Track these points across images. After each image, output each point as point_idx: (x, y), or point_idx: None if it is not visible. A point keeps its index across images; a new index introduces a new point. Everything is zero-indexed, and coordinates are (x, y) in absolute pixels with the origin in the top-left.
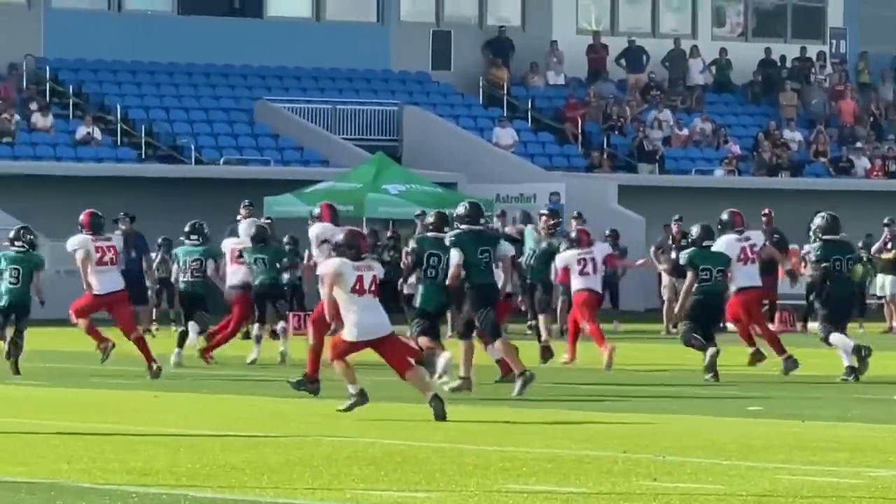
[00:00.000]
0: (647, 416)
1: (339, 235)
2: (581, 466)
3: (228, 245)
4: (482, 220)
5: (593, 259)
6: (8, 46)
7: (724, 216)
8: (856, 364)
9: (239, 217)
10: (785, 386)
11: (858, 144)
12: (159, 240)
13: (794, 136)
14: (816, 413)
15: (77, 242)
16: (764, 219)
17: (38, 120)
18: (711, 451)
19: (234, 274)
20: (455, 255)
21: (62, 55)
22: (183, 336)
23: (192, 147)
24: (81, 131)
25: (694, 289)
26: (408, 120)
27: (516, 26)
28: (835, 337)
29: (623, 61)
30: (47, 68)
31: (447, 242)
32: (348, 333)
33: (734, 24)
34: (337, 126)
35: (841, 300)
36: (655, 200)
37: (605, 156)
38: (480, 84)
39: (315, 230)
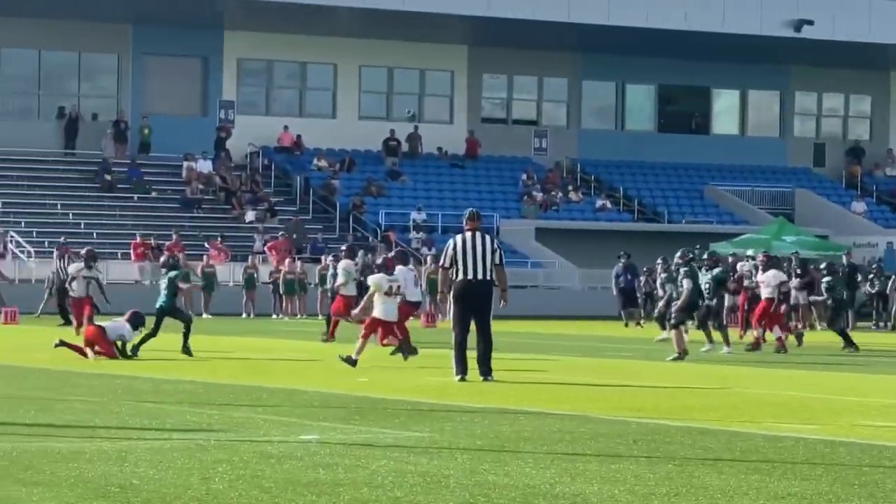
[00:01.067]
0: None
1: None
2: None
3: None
4: (694, 262)
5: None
6: (553, 151)
7: None
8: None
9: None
10: None
11: None
12: (644, 268)
13: None
14: None
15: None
16: None
17: (573, 195)
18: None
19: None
20: (687, 282)
21: (587, 156)
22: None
23: (665, 212)
24: (599, 203)
25: None
26: (798, 197)
27: (866, 139)
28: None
29: None
30: (578, 164)
31: (681, 273)
32: (382, 314)
33: None
34: (756, 200)
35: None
36: None
37: None
38: (843, 175)
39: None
